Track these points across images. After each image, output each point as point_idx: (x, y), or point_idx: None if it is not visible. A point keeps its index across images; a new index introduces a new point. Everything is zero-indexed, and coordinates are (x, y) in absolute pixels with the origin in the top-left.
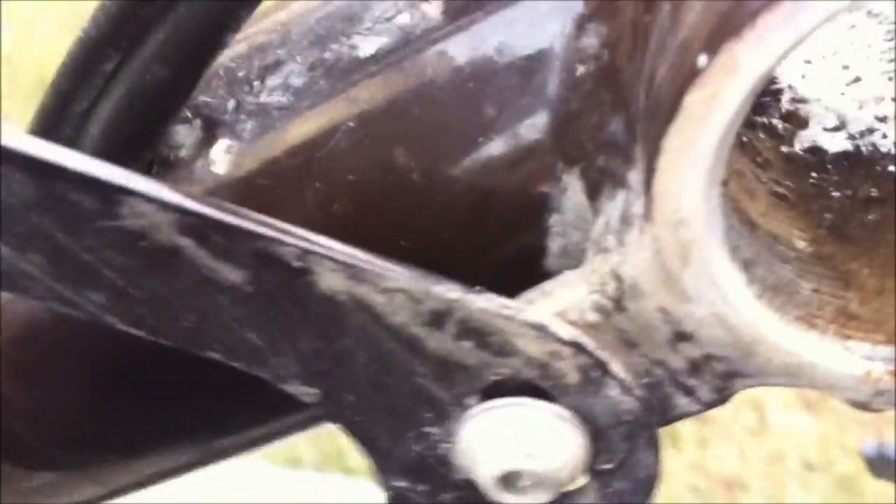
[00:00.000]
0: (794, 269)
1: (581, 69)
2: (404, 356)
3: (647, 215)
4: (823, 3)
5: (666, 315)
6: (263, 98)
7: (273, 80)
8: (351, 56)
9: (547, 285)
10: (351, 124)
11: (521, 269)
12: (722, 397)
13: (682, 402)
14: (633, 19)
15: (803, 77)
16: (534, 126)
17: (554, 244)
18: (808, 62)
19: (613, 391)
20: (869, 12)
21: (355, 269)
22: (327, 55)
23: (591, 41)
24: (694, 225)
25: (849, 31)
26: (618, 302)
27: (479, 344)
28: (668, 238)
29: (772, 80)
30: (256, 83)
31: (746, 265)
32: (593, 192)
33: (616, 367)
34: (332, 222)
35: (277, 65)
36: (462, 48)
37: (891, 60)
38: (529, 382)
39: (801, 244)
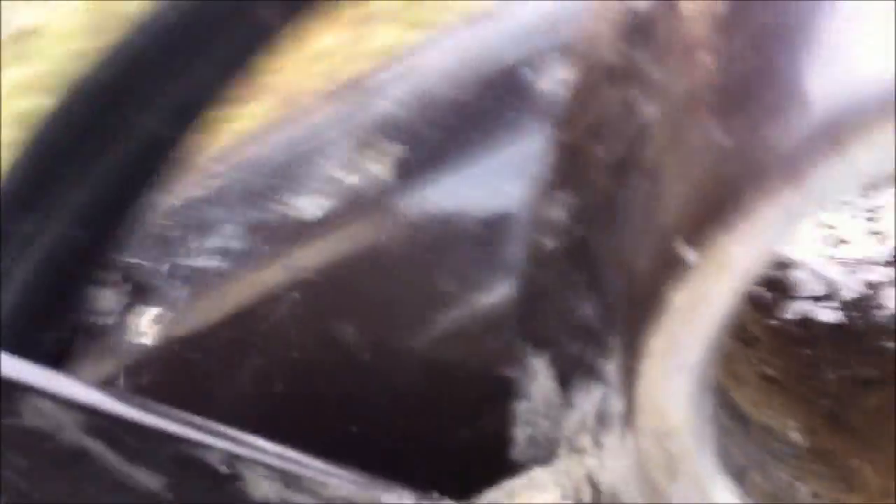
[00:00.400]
0: (792, 471)
1: (550, 244)
2: None
3: (630, 423)
4: (827, 193)
5: None
6: (200, 262)
7: (210, 242)
8: (293, 218)
9: (515, 484)
10: (295, 295)
11: (485, 460)
12: None
13: None
14: (605, 191)
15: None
16: (495, 303)
17: (521, 433)
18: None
19: None
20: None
21: (290, 475)
22: (268, 216)
23: (559, 213)
24: (683, 436)
25: None
26: None
27: None
28: (653, 450)
29: None
30: (193, 244)
31: (740, 474)
32: (564, 382)
33: None
34: (272, 404)
35: (213, 224)
36: (416, 213)
37: (874, 219)
38: None
39: (796, 437)
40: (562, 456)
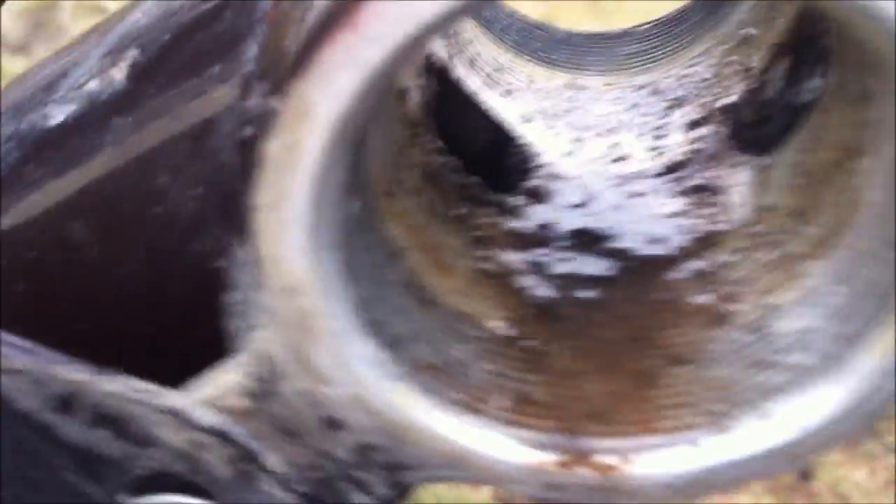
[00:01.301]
0: (474, 350)
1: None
2: (42, 447)
3: (261, 283)
4: (388, 37)
5: (309, 398)
6: None
7: None
8: (42, 126)
9: (214, 370)
10: (34, 197)
11: (209, 353)
12: (399, 492)
13: (361, 499)
14: None
15: (569, 154)
16: (205, 195)
17: (235, 326)
18: (578, 140)
19: (270, 487)
20: (655, 90)
21: None
22: (23, 126)
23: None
24: (310, 293)
25: (630, 109)
26: (268, 384)
27: (117, 432)
28: (284, 309)
29: (528, 155)
30: None
31: (396, 342)
32: None
33: (272, 459)
34: (18, 303)
35: None
36: (137, 117)
37: (661, 136)
38: (185, 478)
39: (496, 324)
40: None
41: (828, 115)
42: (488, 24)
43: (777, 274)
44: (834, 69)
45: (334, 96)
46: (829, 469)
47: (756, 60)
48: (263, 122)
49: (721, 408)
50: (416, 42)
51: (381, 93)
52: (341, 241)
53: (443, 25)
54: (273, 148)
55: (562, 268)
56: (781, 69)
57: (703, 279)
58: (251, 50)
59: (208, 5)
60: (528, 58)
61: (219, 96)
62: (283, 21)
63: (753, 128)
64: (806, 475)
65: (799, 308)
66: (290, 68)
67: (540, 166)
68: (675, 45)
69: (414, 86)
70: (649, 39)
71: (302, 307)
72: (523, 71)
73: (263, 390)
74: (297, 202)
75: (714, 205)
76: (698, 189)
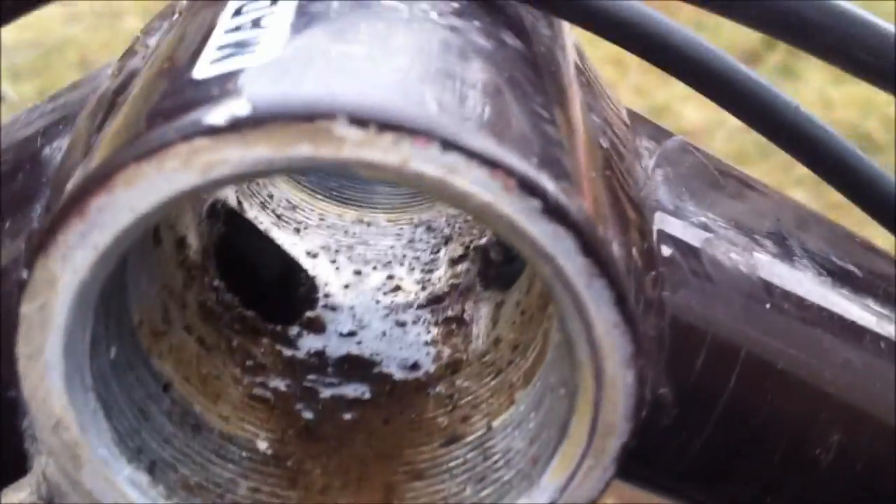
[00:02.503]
0: (238, 470)
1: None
2: None
3: (30, 419)
4: (112, 223)
5: None
6: None
7: None
8: None
9: (7, 489)
10: None
11: (9, 474)
12: None
13: None
14: None
15: (347, 286)
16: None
17: (31, 447)
18: (358, 273)
19: None
20: (429, 227)
21: None
22: None
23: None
24: (71, 428)
25: (407, 245)
26: (50, 503)
27: None
28: (52, 441)
29: (310, 289)
30: None
31: (160, 465)
32: None
33: None
34: None
35: None
36: None
37: (430, 270)
38: None
39: (262, 445)
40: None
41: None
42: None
43: (496, 399)
44: None
45: (73, 271)
46: None
47: None
48: (20, 287)
49: None
50: (140, 226)
51: (119, 259)
52: (97, 382)
53: (159, 213)
54: (26, 310)
55: (327, 392)
56: None
57: (444, 401)
58: (37, 210)
59: (6, 168)
60: (322, 196)
61: (9, 249)
62: (53, 195)
63: (497, 267)
64: None
65: (507, 430)
66: (37, 246)
67: (319, 299)
68: None
69: (194, 232)
70: None
71: (66, 440)
72: (315, 209)
73: None
74: (49, 354)
75: (459, 335)
76: (450, 321)
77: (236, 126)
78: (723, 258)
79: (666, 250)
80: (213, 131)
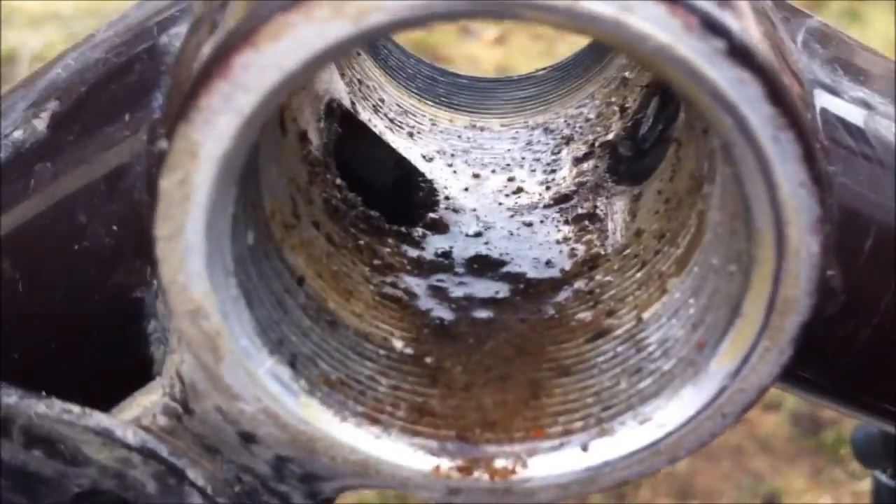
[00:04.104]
0: (375, 367)
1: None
2: None
3: (167, 308)
4: (258, 84)
5: (224, 415)
6: None
7: None
8: None
9: (137, 393)
10: None
11: (136, 378)
12: (317, 502)
13: None
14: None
15: (467, 189)
16: (121, 231)
17: (157, 351)
18: (476, 176)
19: (196, 500)
20: (546, 129)
21: None
22: None
23: (163, 143)
24: (212, 316)
25: (524, 147)
26: (185, 404)
27: (50, 453)
28: (190, 331)
29: (429, 191)
30: None
31: (300, 360)
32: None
33: (194, 474)
34: None
35: None
36: (58, 164)
37: (552, 171)
38: (116, 494)
39: (398, 343)
40: (165, 360)
41: (682, 149)
42: (394, 73)
43: (645, 290)
44: (684, 108)
45: (216, 138)
46: (795, 495)
47: (630, 101)
48: (159, 161)
49: (604, 413)
50: (286, 87)
51: (262, 131)
52: (238, 268)
53: (307, 72)
54: (166, 185)
55: (458, 291)
56: (651, 109)
57: (585, 297)
58: (157, 99)
59: (120, 60)
60: (432, 102)
61: (130, 143)
62: (180, 72)
63: (628, 162)
64: (772, 500)
65: (662, 320)
66: (177, 113)
67: (440, 201)
68: (568, 88)
69: (314, 128)
70: (545, 83)
71: (206, 329)
72: (426, 114)
73: (183, 409)
74: (191, 233)
75: (594, 231)
76: (581, 218)
77: None
78: (887, 134)
79: (828, 127)
80: None
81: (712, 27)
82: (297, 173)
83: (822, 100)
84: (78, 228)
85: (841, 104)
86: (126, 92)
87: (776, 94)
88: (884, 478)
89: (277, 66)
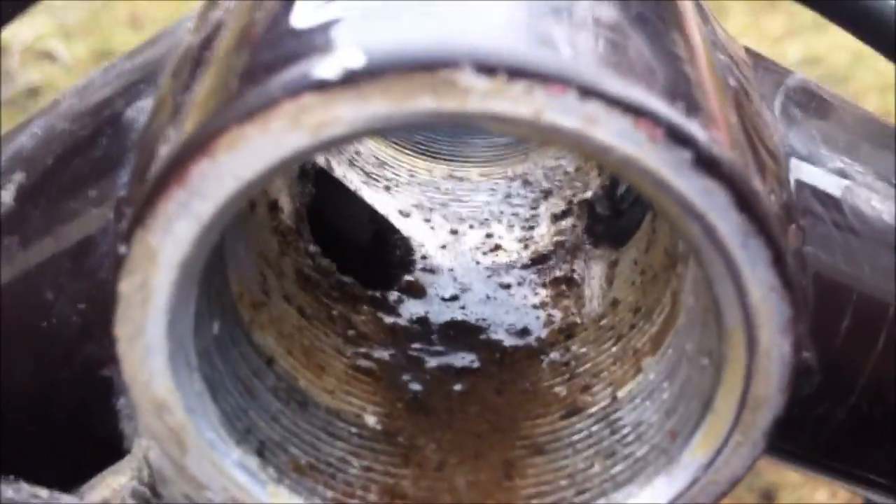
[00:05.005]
0: (347, 447)
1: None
2: None
3: (133, 402)
4: (215, 192)
5: (192, 502)
6: None
7: None
8: None
9: (106, 471)
10: None
11: (106, 455)
12: None
13: None
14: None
15: (443, 247)
16: (88, 309)
17: (128, 427)
18: (454, 232)
19: None
20: (525, 181)
21: None
22: None
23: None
24: (176, 411)
25: (503, 200)
26: (153, 489)
27: None
28: (155, 425)
29: (406, 250)
30: None
31: (269, 446)
32: None
33: None
34: None
35: None
36: (23, 236)
37: (530, 227)
38: None
39: (371, 420)
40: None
41: (657, 221)
42: None
43: (620, 366)
44: None
45: (175, 244)
46: (791, 490)
47: None
48: (117, 264)
49: (577, 498)
50: (244, 195)
51: (222, 231)
52: (202, 361)
53: (265, 181)
54: (125, 288)
55: (433, 361)
56: None
57: (560, 370)
58: (122, 177)
59: (86, 133)
60: (410, 151)
61: (95, 219)
62: (143, 155)
63: (606, 222)
64: (768, 495)
65: (636, 401)
66: (135, 217)
67: (416, 261)
68: None
69: (286, 195)
70: None
71: (171, 424)
72: (404, 164)
73: (151, 493)
74: (151, 334)
75: (571, 297)
76: (559, 281)
77: (350, 79)
78: (865, 207)
79: (804, 201)
80: (323, 86)
81: (678, 138)
82: (267, 246)
83: (799, 171)
84: (45, 305)
85: (818, 174)
86: (91, 168)
87: (745, 202)
88: None
89: (234, 175)
